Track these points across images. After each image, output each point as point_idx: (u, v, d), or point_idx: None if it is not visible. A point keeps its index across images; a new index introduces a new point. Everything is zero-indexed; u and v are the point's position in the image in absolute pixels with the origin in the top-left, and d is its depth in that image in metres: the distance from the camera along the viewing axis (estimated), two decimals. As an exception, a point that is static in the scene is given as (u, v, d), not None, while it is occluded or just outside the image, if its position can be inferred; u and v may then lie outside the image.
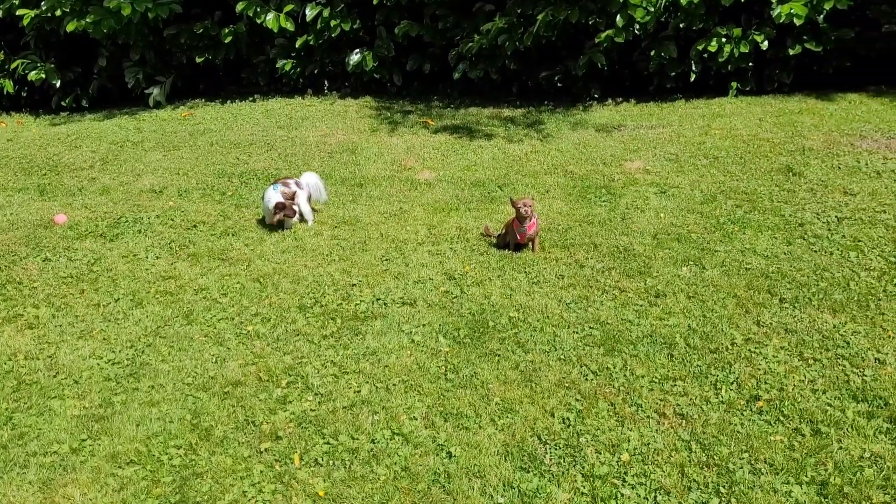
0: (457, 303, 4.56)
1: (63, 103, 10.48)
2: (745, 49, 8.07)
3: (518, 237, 5.06)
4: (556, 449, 3.25)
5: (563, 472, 3.11)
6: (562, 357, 3.92)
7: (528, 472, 3.12)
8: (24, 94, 10.59)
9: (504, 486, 3.05)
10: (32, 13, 9.35)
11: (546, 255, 5.09)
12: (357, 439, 3.38)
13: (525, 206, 4.92)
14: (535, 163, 7.08)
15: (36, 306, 4.72)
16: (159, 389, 3.82)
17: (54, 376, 3.96)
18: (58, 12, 9.26)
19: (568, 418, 3.44)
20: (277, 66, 9.90)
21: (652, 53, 8.51)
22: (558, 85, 9.34)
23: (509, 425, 3.41)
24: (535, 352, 3.98)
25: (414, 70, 9.70)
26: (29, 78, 9.89)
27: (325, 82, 10.23)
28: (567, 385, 3.68)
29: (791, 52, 8.16)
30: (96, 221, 6.15)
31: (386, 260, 5.22)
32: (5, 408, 3.69)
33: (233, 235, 5.80)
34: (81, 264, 5.33)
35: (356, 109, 9.46)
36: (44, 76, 9.88)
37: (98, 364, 4.07)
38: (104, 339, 4.33)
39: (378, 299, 4.67)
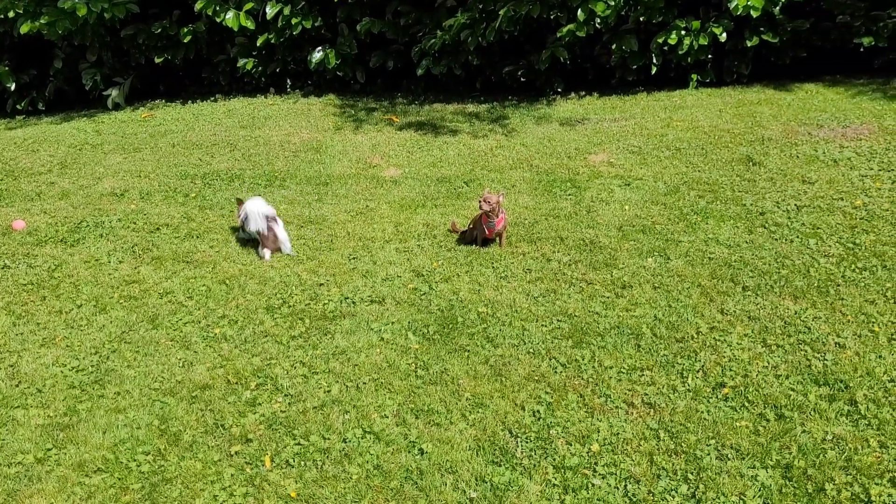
0: (425, 299, 4.56)
1: (18, 107, 10.25)
2: (704, 41, 8.18)
3: (486, 232, 5.08)
4: (527, 442, 3.27)
5: (534, 465, 3.14)
6: (531, 350, 3.95)
7: (500, 465, 3.14)
8: (-23, 98, 10.35)
9: (476, 480, 3.07)
10: (-16, 15, 9.11)
11: (513, 249, 5.12)
12: (328, 439, 3.37)
13: (486, 201, 4.92)
14: (501, 158, 7.11)
15: (-5, 315, 4.62)
16: (126, 395, 3.76)
17: (16, 385, 3.88)
18: (10, 13, 9.04)
19: (538, 411, 3.46)
20: (238, 65, 9.79)
21: (613, 47, 8.59)
22: (522, 79, 9.38)
23: (480, 420, 3.43)
24: (504, 346, 4.00)
25: (377, 67, 9.66)
26: (-18, 81, 9.66)
27: (288, 81, 10.14)
28: (536, 378, 3.71)
29: (749, 43, 8.29)
30: (56, 227, 6.03)
31: (353, 258, 5.20)
32: (-34, 420, 3.61)
33: (197, 238, 5.73)
34: (42, 271, 5.22)
35: (320, 108, 9.40)
36: (-3, 79, 9.65)
37: (62, 372, 4.00)
38: (67, 346, 4.25)
39: (346, 298, 4.65)
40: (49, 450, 3.37)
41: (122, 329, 4.42)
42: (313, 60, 9.43)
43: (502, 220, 5.06)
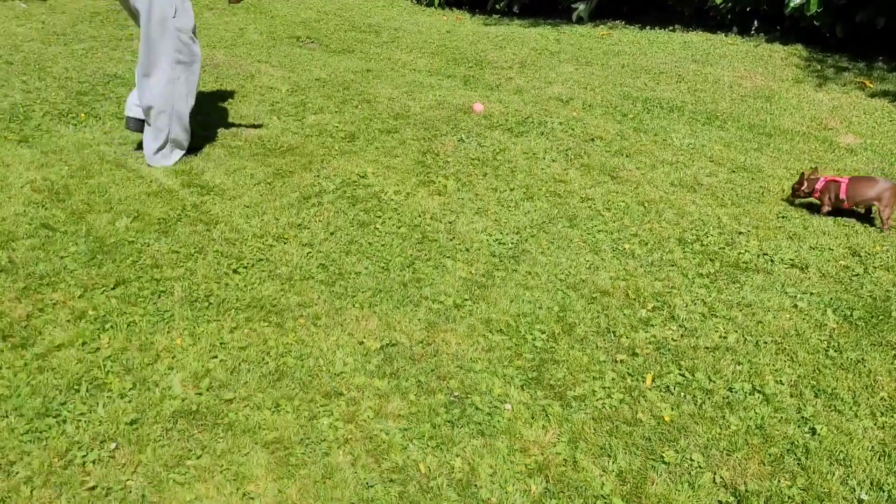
0: (857, 281, 4.08)
1: (497, 6, 11.30)
2: None
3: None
4: (946, 470, 2.80)
5: (949, 497, 2.68)
6: (979, 375, 3.31)
7: (905, 481, 2.75)
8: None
9: (871, 484, 2.73)
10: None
11: None
12: (714, 382, 3.27)
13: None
14: None
15: (446, 178, 5.30)
16: (534, 276, 4.08)
17: (451, 240, 4.44)
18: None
19: (971, 443, 2.92)
20: (708, -3, 9.46)
21: None
22: None
23: (892, 426, 3.02)
24: (944, 359, 3.42)
25: (863, 23, 8.54)
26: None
27: (755, 22, 9.53)
28: (979, 407, 3.11)
29: None
30: (506, 116, 6.62)
31: (782, 217, 4.83)
32: (410, 254, 4.26)
33: (626, 156, 5.83)
34: (488, 151, 5.82)
35: (782, 56, 8.70)
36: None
37: (487, 240, 4.46)
38: (496, 220, 4.72)
39: (765, 254, 4.37)
40: (465, 300, 3.83)
41: (543, 219, 4.75)
42: (791, 4, 8.67)
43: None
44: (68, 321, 3.49)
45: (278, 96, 6.94)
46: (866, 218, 4.81)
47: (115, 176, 4.99)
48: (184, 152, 5.33)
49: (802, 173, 4.88)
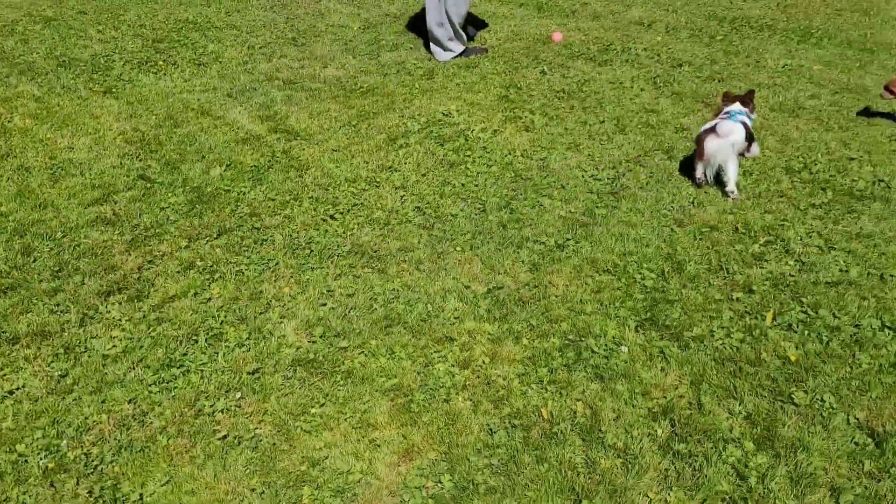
0: None
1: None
2: None
3: None
4: None
5: None
6: None
7: None
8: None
9: None
10: None
11: None
12: (839, 318, 3.13)
13: None
14: None
15: (532, 112, 5.14)
16: (637, 214, 3.94)
17: (545, 178, 4.33)
18: None
19: None
20: None
21: None
22: None
23: None
24: None
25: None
26: None
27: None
28: None
29: None
30: (588, 45, 6.36)
31: (895, 140, 4.55)
32: (505, 194, 4.17)
33: (719, 81, 5.55)
34: (573, 82, 5.61)
35: (879, -37, 8.09)
36: None
37: (583, 176, 4.33)
38: (589, 155, 4.57)
39: (880, 181, 4.13)
40: (568, 240, 3.74)
41: (638, 152, 4.57)
42: None
43: None
44: (178, 272, 3.54)
45: (350, 34, 6.81)
46: None
47: (203, 124, 5.00)
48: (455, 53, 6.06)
49: None
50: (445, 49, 6.08)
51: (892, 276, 3.36)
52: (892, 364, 2.89)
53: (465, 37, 6.20)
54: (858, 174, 4.21)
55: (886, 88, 4.63)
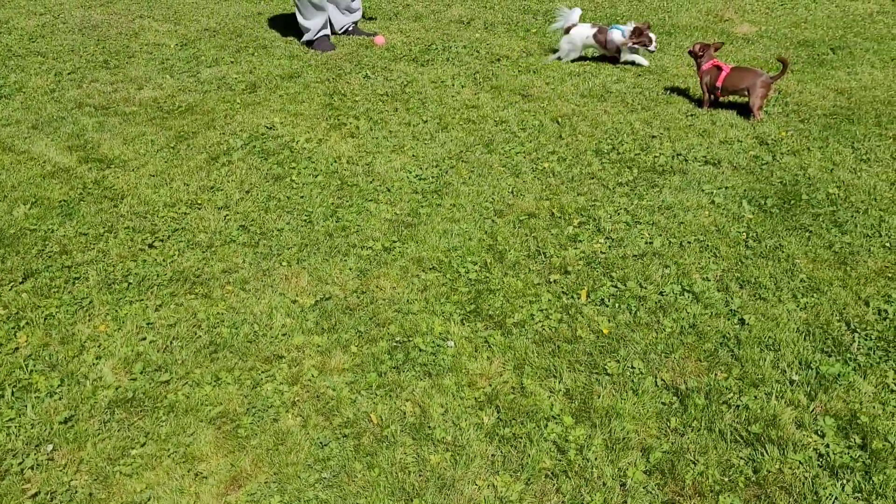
0: (767, 170, 4.21)
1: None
2: None
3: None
4: (866, 339, 2.96)
5: (871, 364, 2.85)
6: (887, 245, 3.49)
7: (830, 356, 2.90)
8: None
9: (800, 364, 2.87)
10: None
11: (882, 130, 4.46)
12: (645, 288, 3.35)
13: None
14: (882, 25, 6.09)
15: (356, 118, 5.16)
16: (460, 209, 4.05)
17: (370, 182, 4.36)
18: None
19: (885, 310, 3.10)
20: None
21: None
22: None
23: (814, 305, 3.16)
24: (854, 234, 3.58)
25: None
26: None
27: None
28: (890, 276, 3.29)
29: None
30: (409, 46, 6.45)
31: (691, 115, 4.91)
32: (331, 203, 4.16)
33: (534, 73, 5.79)
34: (396, 84, 5.68)
35: (673, -49, 8.70)
36: None
37: (407, 177, 4.39)
38: (413, 155, 4.64)
39: (678, 154, 4.45)
40: (394, 242, 3.78)
41: (460, 148, 4.69)
42: None
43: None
44: (-21, 325, 3.29)
45: (167, 52, 6.57)
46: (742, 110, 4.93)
47: (4, 161, 4.67)
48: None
49: (709, 44, 4.91)
50: (304, 30, 6.49)
51: (689, 242, 3.63)
52: (692, 325, 3.12)
53: (319, 25, 6.39)
54: (660, 150, 4.51)
55: (690, 52, 5.00)
